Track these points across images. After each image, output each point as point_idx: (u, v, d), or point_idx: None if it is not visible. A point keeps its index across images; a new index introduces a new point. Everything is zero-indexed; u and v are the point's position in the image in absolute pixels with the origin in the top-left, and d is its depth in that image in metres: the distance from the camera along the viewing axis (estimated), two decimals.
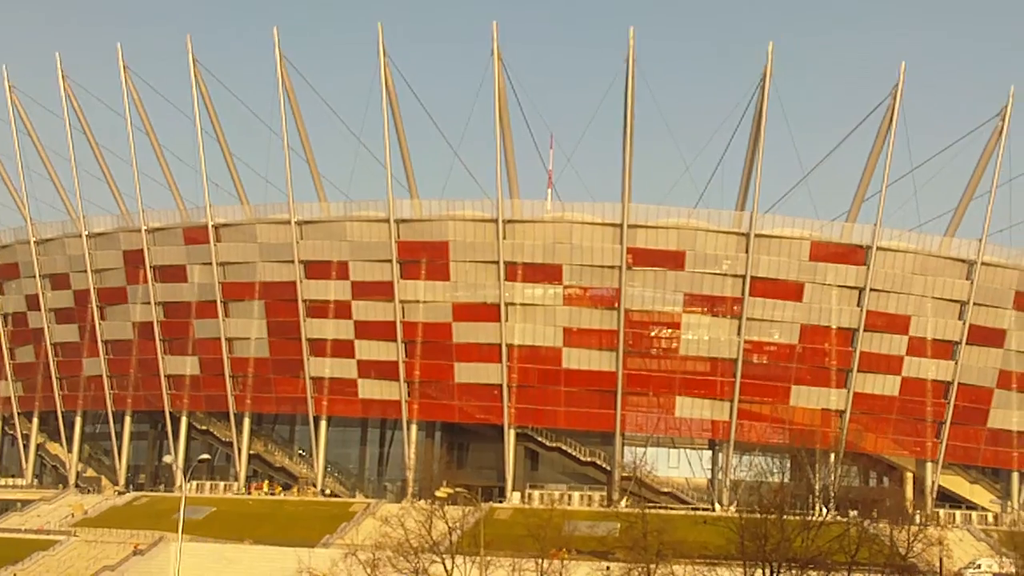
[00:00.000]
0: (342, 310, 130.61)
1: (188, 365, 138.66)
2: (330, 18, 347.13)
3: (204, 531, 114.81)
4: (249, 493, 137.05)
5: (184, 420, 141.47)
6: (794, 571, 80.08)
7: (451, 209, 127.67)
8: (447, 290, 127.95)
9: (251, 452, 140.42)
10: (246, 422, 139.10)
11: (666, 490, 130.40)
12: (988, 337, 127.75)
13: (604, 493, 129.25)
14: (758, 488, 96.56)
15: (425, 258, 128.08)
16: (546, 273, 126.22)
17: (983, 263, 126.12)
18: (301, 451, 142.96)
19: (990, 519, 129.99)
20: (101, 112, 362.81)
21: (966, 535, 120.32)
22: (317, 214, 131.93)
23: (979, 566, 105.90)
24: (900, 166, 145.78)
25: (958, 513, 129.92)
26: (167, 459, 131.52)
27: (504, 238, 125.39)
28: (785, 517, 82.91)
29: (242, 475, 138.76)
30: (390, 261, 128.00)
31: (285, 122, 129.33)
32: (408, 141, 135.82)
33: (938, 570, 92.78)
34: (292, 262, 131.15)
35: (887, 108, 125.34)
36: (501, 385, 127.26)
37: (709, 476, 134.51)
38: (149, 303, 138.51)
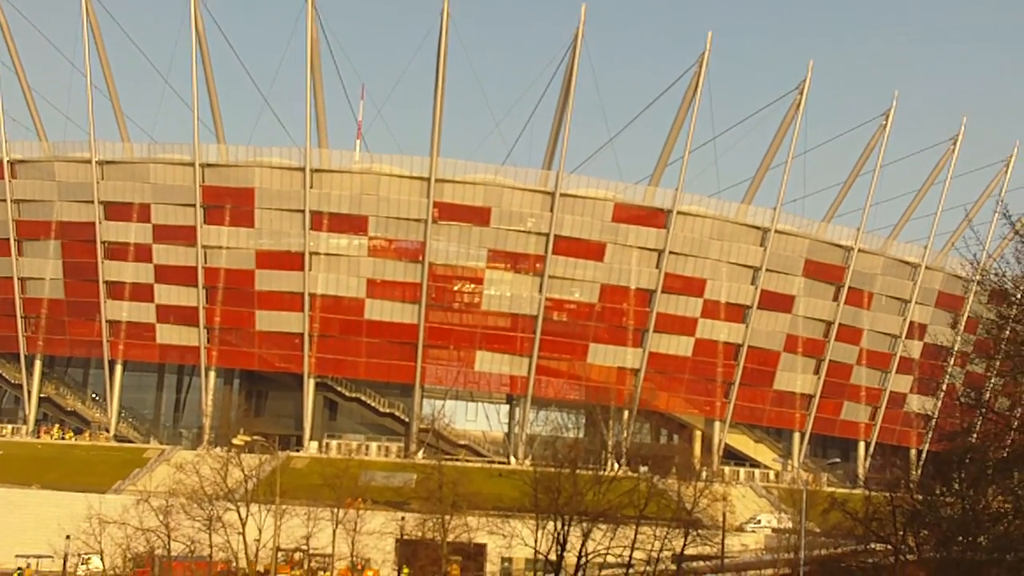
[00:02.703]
0: (142, 253, 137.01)
1: None
2: None
3: None
4: (39, 437, 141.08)
5: None
6: (585, 524, 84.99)
7: (258, 155, 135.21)
8: (251, 237, 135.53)
9: (42, 395, 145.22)
10: (37, 364, 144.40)
11: (463, 443, 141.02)
12: (778, 302, 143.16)
13: (402, 444, 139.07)
14: (553, 443, 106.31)
15: (229, 204, 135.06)
16: (352, 224, 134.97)
17: (776, 231, 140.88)
18: (94, 395, 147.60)
19: (772, 477, 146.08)
20: None
21: (749, 492, 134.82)
22: (120, 154, 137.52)
23: (759, 521, 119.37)
24: (703, 134, 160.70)
25: (742, 471, 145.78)
26: None
27: (311, 187, 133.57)
28: (578, 472, 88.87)
29: (31, 418, 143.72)
30: (193, 205, 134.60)
31: (88, 58, 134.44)
32: (216, 85, 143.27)
33: (721, 525, 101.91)
34: (92, 202, 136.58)
35: (693, 76, 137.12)
36: (302, 334, 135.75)
37: (506, 430, 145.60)
38: None
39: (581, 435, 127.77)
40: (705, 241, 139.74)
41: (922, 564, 70.11)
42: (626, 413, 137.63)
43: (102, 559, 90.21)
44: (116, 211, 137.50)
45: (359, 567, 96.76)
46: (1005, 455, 47.19)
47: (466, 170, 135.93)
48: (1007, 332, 49.66)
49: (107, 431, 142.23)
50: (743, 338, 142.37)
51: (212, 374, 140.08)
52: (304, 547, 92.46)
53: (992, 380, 57.35)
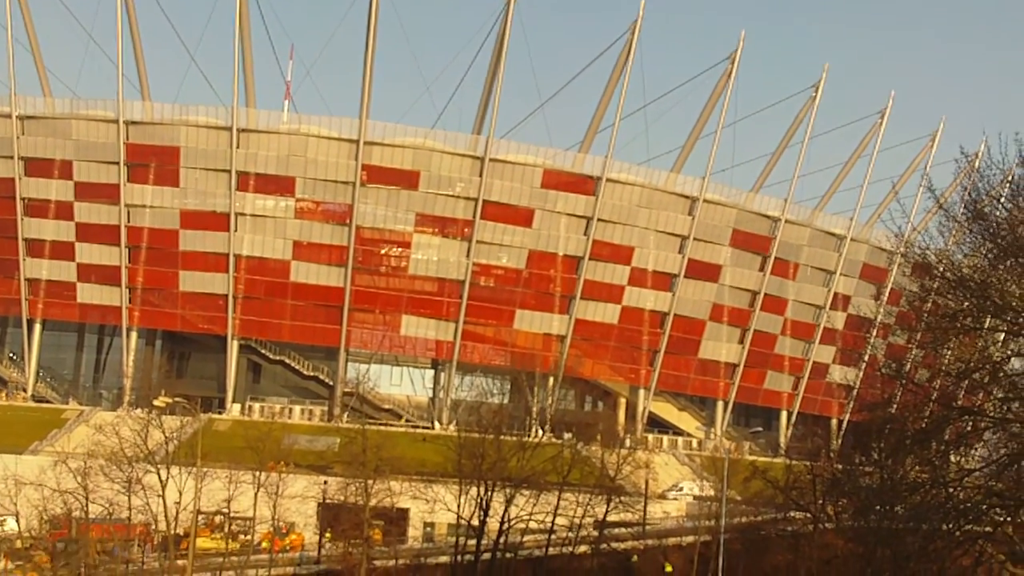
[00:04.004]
0: (63, 211, 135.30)
1: None
2: None
3: None
4: None
5: None
6: (508, 490, 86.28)
7: (184, 114, 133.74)
8: (175, 196, 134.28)
9: None
10: None
11: (387, 407, 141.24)
12: (704, 271, 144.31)
13: (325, 408, 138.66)
14: (478, 408, 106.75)
15: (154, 162, 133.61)
16: (278, 185, 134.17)
17: (705, 200, 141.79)
18: (12, 354, 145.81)
19: (694, 445, 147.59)
20: None
21: (672, 459, 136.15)
22: (41, 110, 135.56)
23: (681, 488, 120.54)
24: (634, 102, 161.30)
25: (665, 438, 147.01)
26: None
27: (237, 147, 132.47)
28: (502, 437, 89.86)
29: None
30: (117, 163, 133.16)
31: (10, 10, 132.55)
32: (142, 41, 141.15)
33: (644, 492, 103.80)
34: (11, 158, 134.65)
35: (625, 44, 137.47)
36: (226, 295, 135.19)
37: (431, 395, 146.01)
38: None
39: (506, 401, 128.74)
40: (633, 209, 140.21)
41: (840, 532, 71.40)
42: (551, 379, 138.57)
43: (17, 521, 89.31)
44: (36, 167, 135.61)
45: (283, 530, 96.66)
46: (924, 426, 47.86)
47: (395, 133, 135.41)
48: (929, 304, 50.30)
49: (24, 391, 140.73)
50: (669, 306, 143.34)
51: (134, 334, 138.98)
52: (225, 510, 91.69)
53: (913, 352, 58.05)
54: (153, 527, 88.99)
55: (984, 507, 42.81)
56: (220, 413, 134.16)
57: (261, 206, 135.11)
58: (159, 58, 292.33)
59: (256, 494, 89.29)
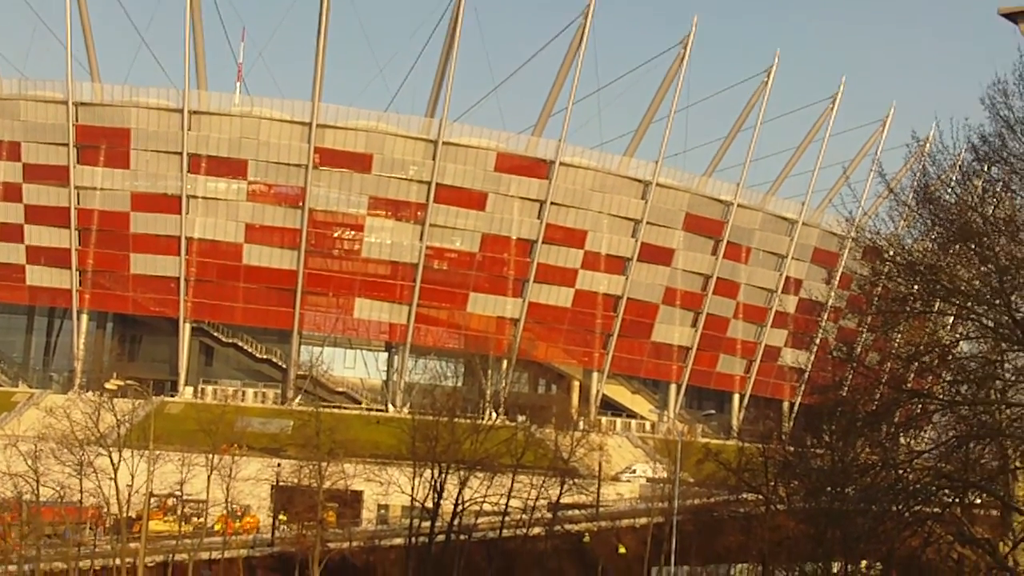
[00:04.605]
0: (12, 193, 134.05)
1: None
2: None
3: None
4: None
5: None
6: (462, 472, 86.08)
7: (135, 95, 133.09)
8: (126, 178, 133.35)
9: None
10: None
11: (341, 390, 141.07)
12: (657, 255, 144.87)
13: (279, 391, 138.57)
14: (431, 391, 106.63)
15: (104, 144, 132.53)
16: (231, 167, 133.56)
17: (657, 184, 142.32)
18: None
19: (648, 427, 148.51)
20: None
21: (625, 442, 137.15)
22: None
23: (635, 471, 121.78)
24: (588, 85, 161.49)
25: (619, 421, 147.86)
26: None
27: (189, 129, 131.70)
28: (456, 420, 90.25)
29: None
30: (67, 145, 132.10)
31: None
32: (92, 21, 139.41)
33: (597, 474, 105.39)
34: None
35: (579, 27, 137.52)
36: (178, 278, 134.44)
37: (384, 378, 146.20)
38: None
39: (460, 384, 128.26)
40: (587, 193, 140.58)
41: (792, 514, 71.89)
42: (505, 363, 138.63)
43: None
44: None
45: (238, 513, 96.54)
46: (874, 408, 48.33)
47: (348, 116, 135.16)
48: (879, 288, 50.79)
49: None
50: (622, 290, 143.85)
51: (84, 317, 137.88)
52: (178, 493, 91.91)
53: (863, 335, 58.66)
54: (105, 510, 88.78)
55: (933, 488, 43.30)
56: (172, 396, 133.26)
57: (213, 188, 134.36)
58: (109, 39, 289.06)
59: (209, 477, 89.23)
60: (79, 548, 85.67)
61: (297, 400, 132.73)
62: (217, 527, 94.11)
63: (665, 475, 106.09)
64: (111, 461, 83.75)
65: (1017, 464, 42.94)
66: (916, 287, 44.59)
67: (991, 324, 39.96)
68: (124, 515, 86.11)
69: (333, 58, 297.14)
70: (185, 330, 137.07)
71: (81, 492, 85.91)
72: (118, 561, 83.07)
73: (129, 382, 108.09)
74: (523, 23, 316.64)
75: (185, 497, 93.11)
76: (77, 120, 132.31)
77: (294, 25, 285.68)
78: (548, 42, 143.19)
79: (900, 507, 43.35)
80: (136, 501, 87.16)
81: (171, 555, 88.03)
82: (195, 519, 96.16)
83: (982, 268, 40.35)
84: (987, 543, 46.46)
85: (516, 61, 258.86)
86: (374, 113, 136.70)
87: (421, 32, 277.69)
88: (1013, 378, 41.22)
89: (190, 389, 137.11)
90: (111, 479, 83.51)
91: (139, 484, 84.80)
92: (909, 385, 48.57)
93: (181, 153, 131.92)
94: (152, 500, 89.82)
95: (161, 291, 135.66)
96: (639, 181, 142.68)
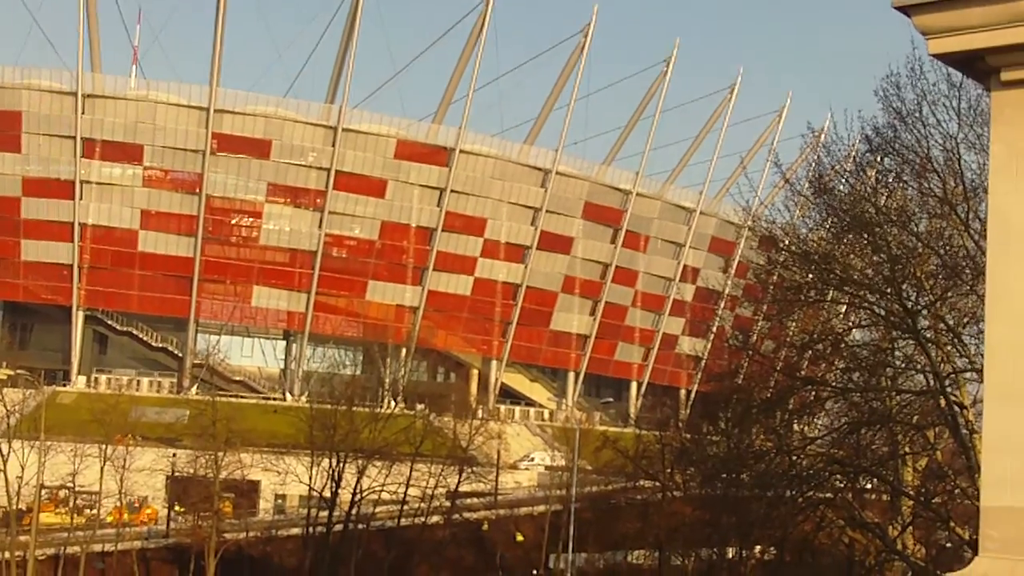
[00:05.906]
0: None
1: None
2: None
3: None
4: None
5: None
6: (360, 461, 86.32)
7: (26, 78, 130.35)
8: (17, 163, 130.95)
9: None
10: None
11: (238, 379, 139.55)
12: (557, 243, 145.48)
13: (175, 380, 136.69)
14: (330, 380, 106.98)
15: None
16: (126, 152, 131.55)
17: (557, 172, 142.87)
18: None
19: (546, 415, 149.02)
20: None
21: (524, 430, 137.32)
22: None
23: (533, 459, 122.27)
24: (488, 73, 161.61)
25: (517, 409, 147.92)
26: None
27: (83, 113, 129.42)
28: (354, 409, 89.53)
29: None
30: None
31: None
32: None
33: (496, 462, 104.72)
34: None
35: (480, 14, 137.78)
36: (71, 265, 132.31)
37: (282, 366, 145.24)
38: None
39: (358, 372, 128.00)
40: (486, 181, 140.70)
41: (688, 500, 72.68)
42: (404, 351, 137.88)
43: None
44: None
45: (137, 504, 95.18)
46: (769, 396, 49.07)
47: (247, 101, 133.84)
48: (775, 277, 51.52)
49: None
50: (522, 278, 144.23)
51: None
52: (70, 484, 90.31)
53: (759, 323, 59.52)
54: None
55: (825, 474, 44.07)
56: (65, 385, 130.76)
57: (108, 174, 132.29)
58: None
59: (102, 468, 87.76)
60: None
61: (193, 389, 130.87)
62: (109, 519, 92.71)
63: (563, 463, 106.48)
64: (0, 452, 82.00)
65: (906, 450, 43.80)
66: (810, 276, 45.27)
67: (883, 313, 40.66)
68: (14, 507, 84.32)
69: (232, 42, 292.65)
70: (78, 318, 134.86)
71: None
72: (7, 555, 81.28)
73: (20, 371, 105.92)
74: (424, 9, 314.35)
75: (78, 489, 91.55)
76: None
77: (192, 7, 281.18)
78: (449, 28, 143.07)
79: (794, 492, 44.04)
80: (26, 493, 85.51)
81: (63, 548, 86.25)
82: (88, 511, 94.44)
83: (874, 257, 41.04)
84: (877, 527, 47.35)
85: (417, 47, 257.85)
86: (273, 99, 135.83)
87: (321, 16, 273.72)
88: (903, 365, 42.01)
89: (83, 378, 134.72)
90: (0, 471, 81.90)
91: (29, 476, 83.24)
92: (803, 372, 49.34)
93: (75, 137, 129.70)
94: (43, 492, 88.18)
95: (53, 278, 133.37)
96: (539, 169, 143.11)
